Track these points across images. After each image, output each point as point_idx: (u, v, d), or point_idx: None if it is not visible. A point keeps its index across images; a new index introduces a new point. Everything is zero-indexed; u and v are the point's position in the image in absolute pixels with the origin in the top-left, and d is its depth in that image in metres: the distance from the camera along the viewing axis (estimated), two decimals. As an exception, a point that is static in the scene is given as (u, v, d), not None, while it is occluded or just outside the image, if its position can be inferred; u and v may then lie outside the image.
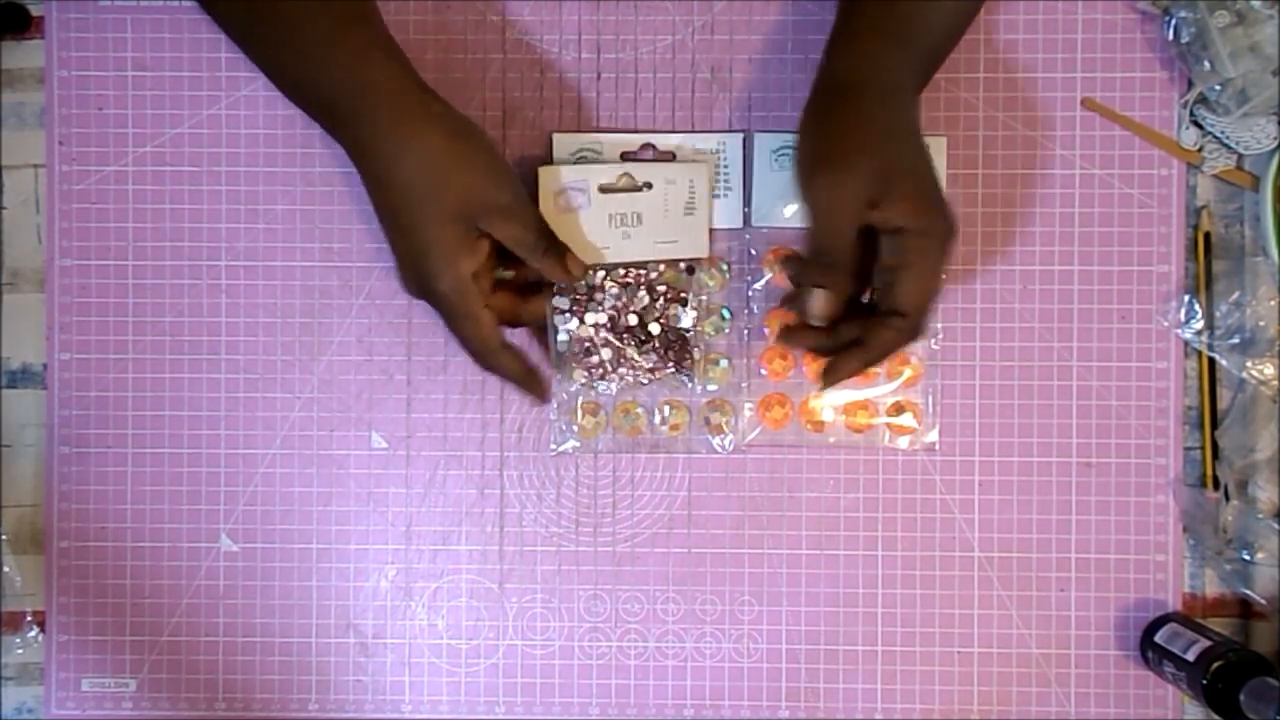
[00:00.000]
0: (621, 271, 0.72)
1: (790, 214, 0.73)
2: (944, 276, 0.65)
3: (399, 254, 0.66)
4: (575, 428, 0.73)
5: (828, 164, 0.63)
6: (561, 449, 0.74)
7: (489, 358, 0.68)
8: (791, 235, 0.73)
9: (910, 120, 0.65)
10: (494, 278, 0.68)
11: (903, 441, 0.73)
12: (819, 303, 0.65)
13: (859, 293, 0.68)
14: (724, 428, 0.73)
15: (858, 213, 0.63)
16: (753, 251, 0.73)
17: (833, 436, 0.73)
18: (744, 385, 0.74)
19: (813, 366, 0.73)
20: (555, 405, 0.74)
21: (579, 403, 0.73)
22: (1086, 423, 0.73)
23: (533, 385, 0.70)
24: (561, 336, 0.72)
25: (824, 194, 0.63)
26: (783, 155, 0.73)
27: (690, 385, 0.73)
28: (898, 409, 0.73)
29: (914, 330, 0.65)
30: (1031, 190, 0.73)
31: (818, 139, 0.64)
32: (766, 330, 0.73)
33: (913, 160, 0.64)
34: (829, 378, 0.67)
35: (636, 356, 0.72)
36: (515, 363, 0.69)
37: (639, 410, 0.73)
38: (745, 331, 0.73)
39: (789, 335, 0.68)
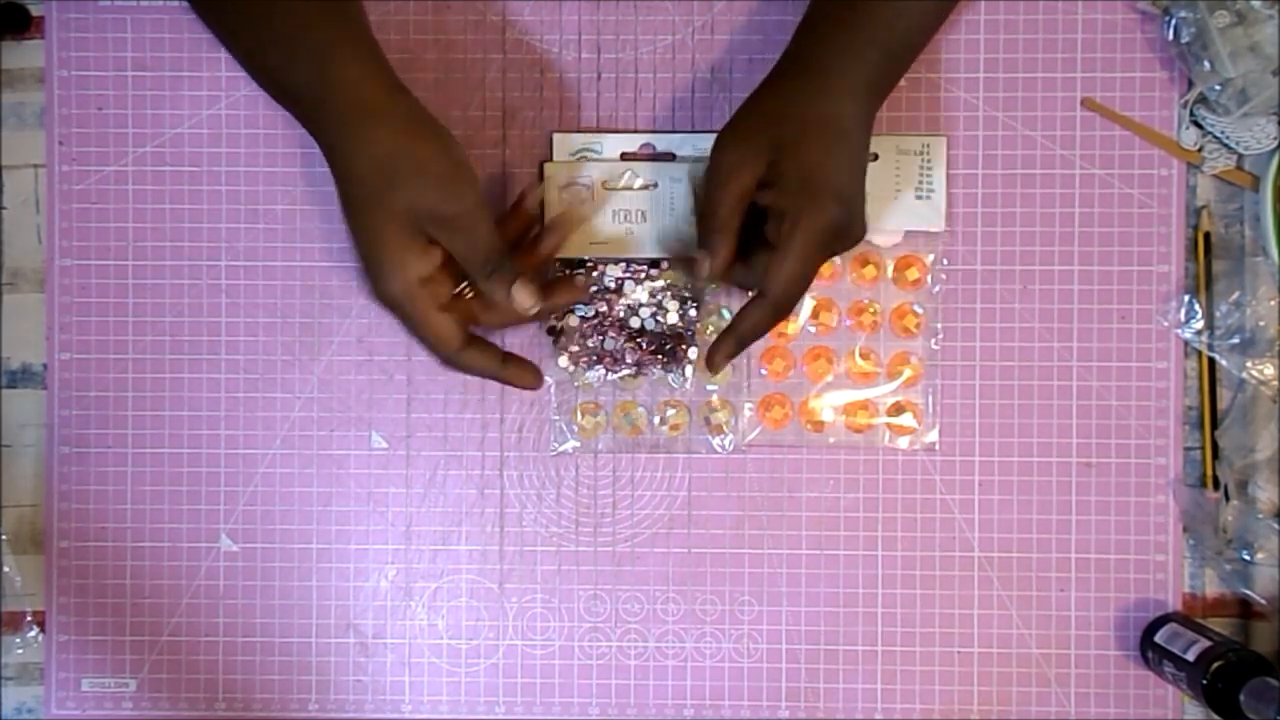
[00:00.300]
0: (621, 266, 0.72)
1: None
2: (814, 270, 0.65)
3: (357, 255, 0.65)
4: (575, 428, 0.73)
5: (733, 130, 0.65)
6: (562, 449, 0.74)
7: (452, 361, 0.66)
8: None
9: (841, 114, 0.64)
10: (452, 284, 0.66)
11: (903, 441, 0.73)
12: (698, 265, 0.65)
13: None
14: (724, 428, 0.73)
15: (743, 184, 0.63)
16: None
17: (833, 436, 0.73)
18: (744, 385, 0.74)
19: (812, 367, 0.73)
20: (555, 405, 0.74)
21: (579, 403, 0.73)
22: (1086, 423, 0.73)
23: (516, 376, 0.68)
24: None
25: (718, 156, 0.65)
26: None
27: (681, 385, 0.73)
28: (898, 409, 0.73)
29: (774, 313, 0.65)
30: (1031, 190, 0.73)
31: (744, 107, 0.66)
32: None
33: (819, 150, 0.63)
34: (709, 364, 0.67)
35: (623, 350, 0.72)
36: (484, 359, 0.67)
37: (639, 410, 0.73)
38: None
39: (708, 360, 0.68)
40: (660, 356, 0.73)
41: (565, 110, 0.74)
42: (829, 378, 0.73)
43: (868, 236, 0.72)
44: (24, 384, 0.75)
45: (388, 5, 0.73)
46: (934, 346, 0.73)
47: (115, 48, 0.74)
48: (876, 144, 0.72)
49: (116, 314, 0.74)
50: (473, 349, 0.66)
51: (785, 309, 0.65)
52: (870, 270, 0.73)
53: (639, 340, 0.73)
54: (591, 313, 0.73)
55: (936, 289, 0.73)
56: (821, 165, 0.63)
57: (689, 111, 0.74)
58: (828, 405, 0.73)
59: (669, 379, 0.73)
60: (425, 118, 0.64)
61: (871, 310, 0.73)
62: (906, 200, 0.72)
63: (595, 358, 0.73)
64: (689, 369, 0.73)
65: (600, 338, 0.73)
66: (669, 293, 0.73)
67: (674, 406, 0.73)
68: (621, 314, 0.73)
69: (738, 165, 0.64)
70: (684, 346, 0.73)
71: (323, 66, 0.63)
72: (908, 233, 0.73)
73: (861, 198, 0.65)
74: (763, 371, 0.74)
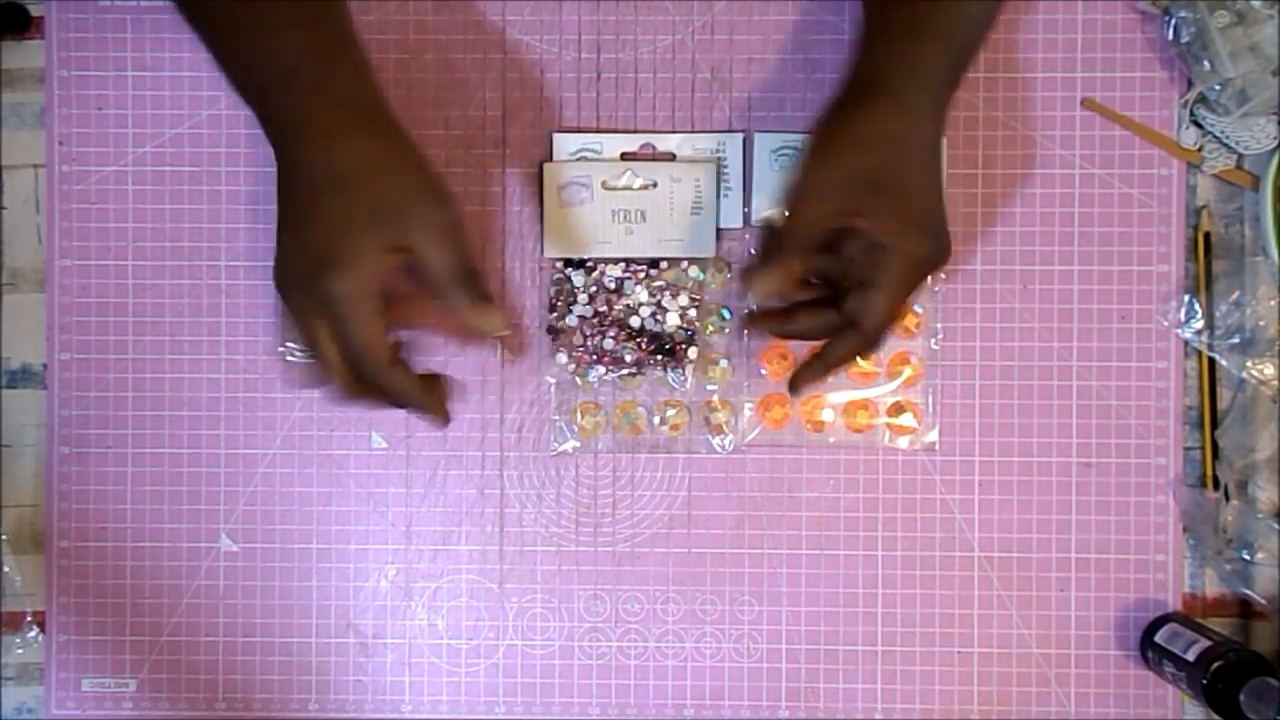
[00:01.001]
0: (621, 266, 0.72)
1: None
2: (911, 302, 0.65)
3: (293, 244, 0.61)
4: (575, 428, 0.73)
5: (820, 154, 0.62)
6: (561, 449, 0.74)
7: (376, 376, 0.62)
8: None
9: (924, 132, 0.63)
10: (386, 301, 0.62)
11: (903, 441, 0.73)
12: (763, 279, 0.63)
13: (830, 293, 0.66)
14: (724, 428, 0.73)
15: (832, 211, 0.62)
16: (753, 251, 0.73)
17: (833, 436, 0.73)
18: (744, 385, 0.74)
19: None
20: (555, 405, 0.74)
21: (578, 403, 0.73)
22: (1086, 423, 0.73)
23: (430, 405, 0.65)
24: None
25: (806, 179, 0.62)
26: (783, 155, 0.73)
27: (681, 385, 0.73)
28: (898, 409, 0.73)
29: (868, 346, 0.65)
30: (1031, 190, 0.73)
31: (824, 127, 0.63)
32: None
33: (912, 175, 0.62)
34: (794, 389, 0.67)
35: (623, 350, 0.72)
36: (407, 381, 0.63)
37: (639, 410, 0.73)
38: (745, 331, 0.73)
39: (752, 322, 0.68)
40: (660, 356, 0.73)
41: (565, 110, 0.74)
42: (829, 378, 0.73)
43: None
44: (24, 384, 0.75)
45: (388, 5, 0.73)
46: (934, 346, 0.73)
47: (115, 48, 0.74)
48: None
49: (116, 314, 0.74)
50: (399, 368, 0.63)
51: (879, 340, 0.65)
52: None
53: (639, 340, 0.73)
54: (591, 312, 0.73)
55: (936, 289, 0.73)
56: (914, 194, 0.62)
57: (689, 111, 0.74)
58: (827, 405, 0.73)
59: (669, 379, 0.73)
60: (404, 130, 0.63)
61: None
62: None
63: (595, 357, 0.73)
64: (689, 369, 0.73)
65: (599, 337, 0.73)
66: (669, 292, 0.73)
67: (674, 406, 0.73)
68: (621, 314, 0.73)
69: (827, 190, 0.62)
70: (684, 346, 0.73)
71: (325, 58, 0.62)
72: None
73: (946, 218, 0.64)
74: (762, 371, 0.74)
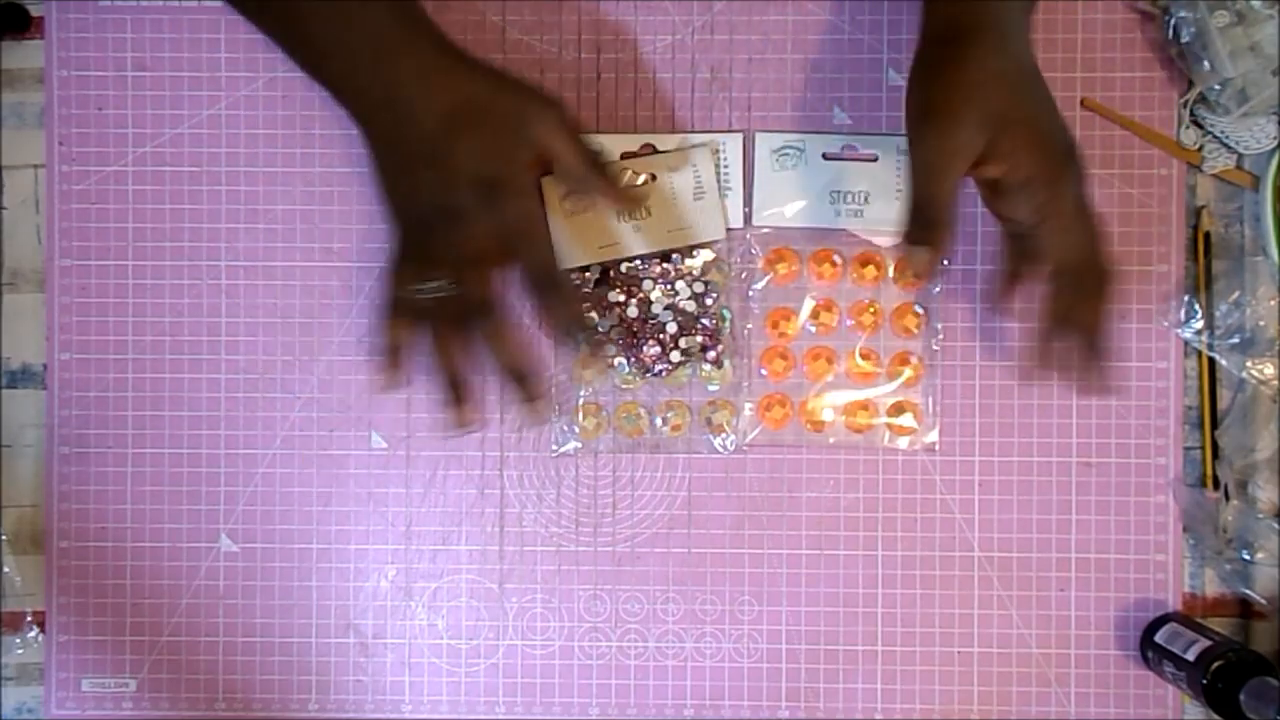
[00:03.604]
0: (642, 264, 0.72)
1: (792, 214, 0.73)
2: (1094, 219, 0.62)
3: (435, 188, 0.62)
4: (576, 429, 0.73)
5: (934, 114, 0.61)
6: (563, 450, 0.74)
7: (553, 277, 0.63)
8: (794, 235, 0.73)
9: (1025, 60, 0.62)
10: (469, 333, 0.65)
11: (902, 442, 0.73)
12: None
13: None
14: (725, 427, 0.73)
15: (962, 165, 0.61)
16: (754, 251, 0.73)
17: (832, 436, 0.73)
18: (744, 385, 0.74)
19: (812, 367, 0.73)
20: (556, 406, 0.73)
21: (580, 403, 0.73)
22: (1086, 423, 0.73)
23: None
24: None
25: (928, 146, 0.61)
26: (784, 155, 0.73)
27: (720, 376, 0.73)
28: (898, 409, 0.73)
29: (1101, 280, 0.63)
30: (1031, 190, 0.73)
31: (925, 89, 0.62)
32: (768, 330, 0.73)
33: (1031, 105, 0.61)
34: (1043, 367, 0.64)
35: (661, 348, 0.73)
36: (571, 291, 0.66)
37: (640, 411, 0.73)
38: (746, 331, 0.73)
39: (1033, 365, 0.65)
40: (701, 343, 0.72)
41: (565, 110, 0.74)
42: (829, 378, 0.73)
43: (867, 236, 0.72)
44: (24, 384, 0.75)
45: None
46: (934, 347, 0.73)
47: (115, 48, 0.74)
48: (876, 144, 0.72)
49: (116, 314, 0.74)
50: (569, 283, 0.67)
51: (1107, 271, 0.63)
52: (871, 270, 0.73)
53: (677, 337, 0.72)
54: (615, 320, 0.72)
55: (937, 289, 0.73)
56: (1041, 123, 0.61)
57: (689, 111, 0.74)
58: (828, 405, 0.73)
59: (708, 370, 0.73)
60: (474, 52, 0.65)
61: (872, 310, 0.73)
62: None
63: (633, 361, 0.73)
64: (726, 362, 0.73)
65: (638, 342, 0.72)
66: (683, 281, 0.72)
67: (674, 407, 0.73)
68: (636, 312, 0.72)
69: (954, 148, 0.60)
70: (715, 332, 0.73)
71: (405, 18, 0.63)
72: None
73: (1067, 126, 0.62)
74: (763, 372, 0.74)
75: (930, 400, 0.73)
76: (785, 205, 0.73)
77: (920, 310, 0.73)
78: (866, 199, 0.72)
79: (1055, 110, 0.63)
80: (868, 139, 0.73)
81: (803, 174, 0.73)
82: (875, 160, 0.72)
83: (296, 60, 0.65)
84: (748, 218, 0.73)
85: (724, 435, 0.73)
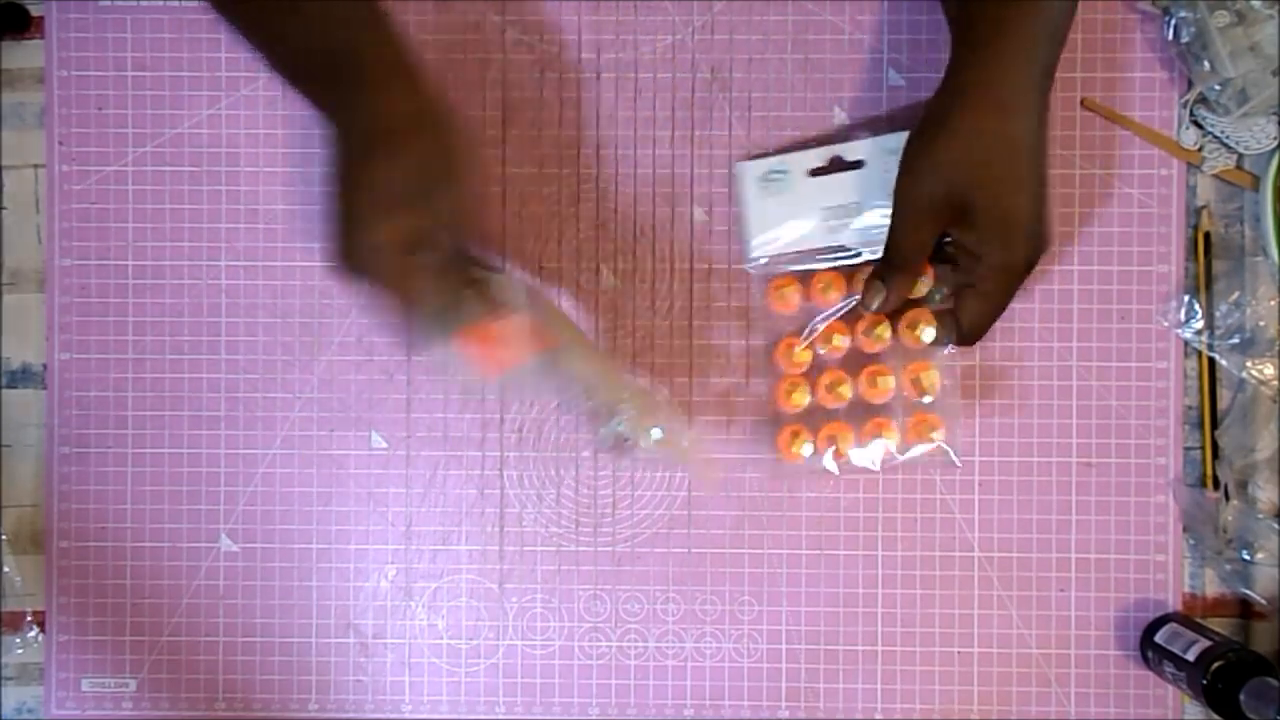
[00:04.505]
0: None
1: (789, 239, 0.71)
2: (1006, 304, 0.65)
3: (387, 178, 0.60)
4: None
5: (918, 167, 0.63)
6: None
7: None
8: (793, 259, 0.71)
9: (1028, 132, 0.62)
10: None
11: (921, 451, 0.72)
12: (873, 295, 0.67)
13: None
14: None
15: (934, 223, 0.63)
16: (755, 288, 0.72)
17: (863, 462, 0.72)
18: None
19: (829, 393, 0.71)
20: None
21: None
22: (1086, 423, 0.73)
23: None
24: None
25: (904, 196, 0.64)
26: (770, 180, 0.71)
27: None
28: (927, 428, 0.71)
29: (964, 343, 0.67)
30: (1031, 190, 0.73)
31: (922, 138, 0.63)
32: (780, 361, 0.72)
33: (1016, 184, 0.62)
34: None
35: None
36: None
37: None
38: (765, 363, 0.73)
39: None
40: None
41: (565, 110, 0.74)
42: (844, 404, 0.72)
43: (862, 248, 0.71)
44: (24, 384, 0.75)
45: (389, 6, 0.73)
46: (948, 350, 0.71)
47: (115, 48, 0.74)
48: (863, 149, 0.71)
49: (116, 314, 0.74)
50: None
51: (974, 340, 0.67)
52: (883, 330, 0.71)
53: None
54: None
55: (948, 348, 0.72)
56: (1016, 203, 0.62)
57: (689, 111, 0.74)
58: (849, 431, 0.72)
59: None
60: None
61: (880, 331, 0.71)
62: None
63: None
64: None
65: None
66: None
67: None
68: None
69: (926, 204, 0.63)
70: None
71: (363, 25, 0.62)
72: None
73: (1043, 215, 0.63)
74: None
75: (952, 405, 0.72)
76: (780, 229, 0.71)
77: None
78: (859, 210, 0.70)
79: (1040, 194, 0.62)
80: (854, 146, 0.71)
81: (792, 196, 0.71)
82: (862, 167, 0.71)
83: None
84: (743, 255, 0.72)
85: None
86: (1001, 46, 0.62)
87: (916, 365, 0.71)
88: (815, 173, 0.71)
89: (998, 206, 0.62)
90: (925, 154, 0.63)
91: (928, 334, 0.69)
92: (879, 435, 0.71)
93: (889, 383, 0.71)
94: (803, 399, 0.72)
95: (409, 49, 0.63)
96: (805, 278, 0.72)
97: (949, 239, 0.66)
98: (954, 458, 0.72)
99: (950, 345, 0.69)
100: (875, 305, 0.68)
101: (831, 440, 0.71)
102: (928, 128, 0.63)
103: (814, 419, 0.72)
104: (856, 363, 0.72)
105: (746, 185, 0.72)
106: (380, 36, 0.63)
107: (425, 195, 0.61)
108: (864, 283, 0.68)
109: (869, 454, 0.71)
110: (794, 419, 0.72)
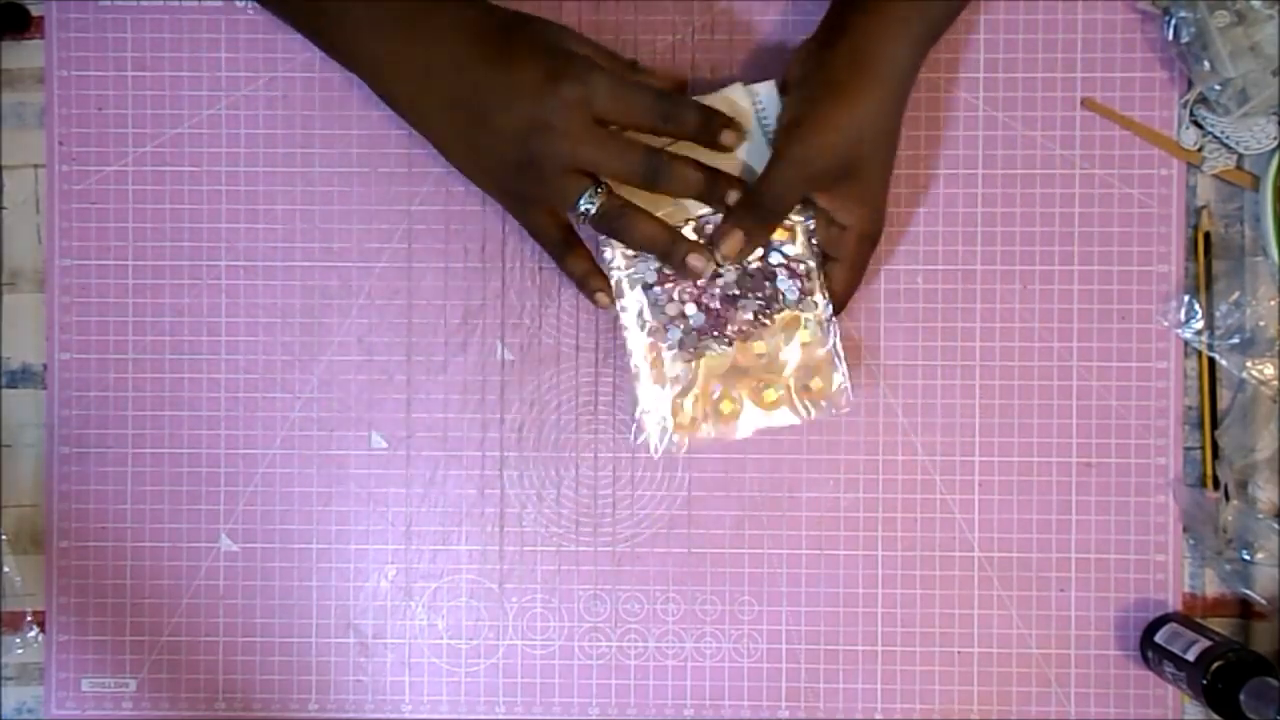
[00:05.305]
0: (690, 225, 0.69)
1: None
2: (859, 278, 0.69)
3: (517, 80, 0.63)
4: (670, 425, 0.69)
5: (796, 135, 0.65)
6: (664, 449, 0.69)
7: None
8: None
9: (890, 119, 0.66)
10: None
11: (820, 406, 0.69)
12: (732, 242, 0.66)
13: None
14: (824, 392, 0.69)
15: (811, 184, 0.66)
16: (723, 213, 0.68)
17: (742, 429, 0.69)
18: (832, 342, 0.69)
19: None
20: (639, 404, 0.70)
21: (673, 398, 0.69)
22: (1086, 423, 0.73)
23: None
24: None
25: (790, 160, 0.65)
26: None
27: (815, 311, 0.69)
28: (807, 375, 0.69)
29: (837, 310, 0.69)
30: (1031, 190, 0.73)
31: (807, 101, 0.65)
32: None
33: (874, 160, 0.66)
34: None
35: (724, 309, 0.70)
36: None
37: (734, 394, 0.69)
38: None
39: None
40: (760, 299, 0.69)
41: (565, 110, 0.74)
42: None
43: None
44: (24, 384, 0.75)
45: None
46: (931, 344, 0.72)
47: (115, 48, 0.74)
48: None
49: (116, 314, 0.74)
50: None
51: (844, 308, 0.70)
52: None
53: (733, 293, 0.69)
54: (659, 294, 0.69)
55: (936, 289, 0.73)
56: (872, 176, 0.67)
57: (689, 111, 0.74)
58: (728, 399, 0.69)
59: (803, 314, 0.69)
60: None
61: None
62: None
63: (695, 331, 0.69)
64: (819, 299, 0.69)
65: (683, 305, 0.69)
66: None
67: (769, 381, 0.69)
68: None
69: (806, 175, 0.65)
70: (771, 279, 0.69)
71: None
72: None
73: (887, 195, 0.69)
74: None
75: (834, 347, 0.69)
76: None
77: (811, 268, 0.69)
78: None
79: (888, 172, 0.67)
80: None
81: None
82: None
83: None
84: None
85: (824, 403, 0.69)
86: (884, 38, 0.65)
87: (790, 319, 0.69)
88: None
89: (868, 180, 0.66)
90: (817, 120, 0.64)
91: (781, 415, 0.70)
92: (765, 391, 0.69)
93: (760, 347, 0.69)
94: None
95: None
96: None
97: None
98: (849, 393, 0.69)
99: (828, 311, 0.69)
100: (733, 250, 0.66)
101: (719, 408, 0.69)
102: (821, 94, 0.65)
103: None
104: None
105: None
106: None
107: (565, 50, 0.64)
108: (718, 230, 0.66)
109: (766, 417, 0.69)
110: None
